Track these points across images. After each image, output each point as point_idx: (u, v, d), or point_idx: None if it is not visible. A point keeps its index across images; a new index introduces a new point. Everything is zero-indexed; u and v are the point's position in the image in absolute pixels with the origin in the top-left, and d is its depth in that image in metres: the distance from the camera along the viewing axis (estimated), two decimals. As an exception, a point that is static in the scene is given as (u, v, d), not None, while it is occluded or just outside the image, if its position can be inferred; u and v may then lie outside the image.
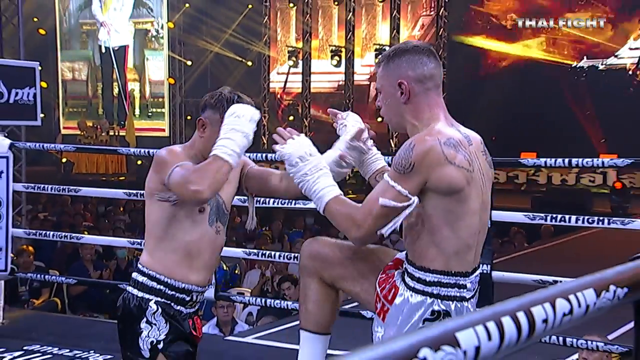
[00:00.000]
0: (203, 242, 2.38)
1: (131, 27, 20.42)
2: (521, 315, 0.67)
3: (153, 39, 20.39)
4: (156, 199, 2.34)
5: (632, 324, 1.05)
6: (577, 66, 16.81)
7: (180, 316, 2.39)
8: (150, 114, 20.53)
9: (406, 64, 2.02)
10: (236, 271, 7.52)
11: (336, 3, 19.28)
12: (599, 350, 3.15)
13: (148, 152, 3.97)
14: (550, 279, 3.22)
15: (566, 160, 3.32)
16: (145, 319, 2.34)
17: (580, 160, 3.31)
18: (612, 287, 0.83)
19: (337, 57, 18.91)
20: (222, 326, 5.22)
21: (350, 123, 2.28)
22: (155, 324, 2.34)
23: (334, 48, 19.11)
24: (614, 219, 3.39)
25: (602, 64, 16.53)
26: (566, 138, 14.39)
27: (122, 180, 16.15)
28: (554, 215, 3.34)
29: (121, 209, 11.14)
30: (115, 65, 20.28)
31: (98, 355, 3.92)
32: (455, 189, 1.90)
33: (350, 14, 18.73)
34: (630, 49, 16.12)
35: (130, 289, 2.39)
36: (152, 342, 2.33)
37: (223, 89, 2.40)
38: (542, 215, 3.41)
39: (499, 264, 6.50)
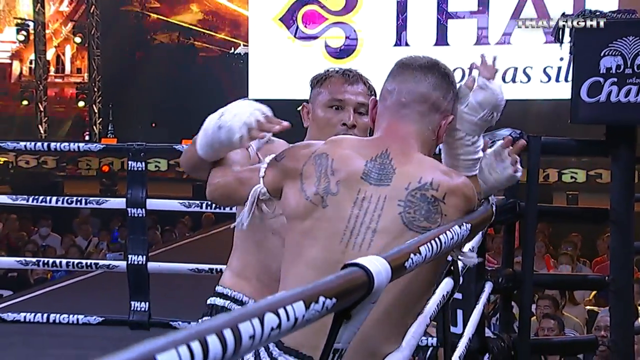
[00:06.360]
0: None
1: None
2: (227, 333, 0.72)
3: None
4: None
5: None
6: (235, 53, 17.89)
7: None
8: None
9: None
10: None
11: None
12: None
13: None
14: (206, 267, 3.53)
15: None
16: None
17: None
18: (321, 299, 0.89)
19: (-30, 31, 17.58)
20: None
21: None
22: None
23: (-34, 20, 17.75)
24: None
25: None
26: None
27: None
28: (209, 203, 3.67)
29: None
30: None
31: None
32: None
33: (-16, -18, 17.57)
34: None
35: None
36: None
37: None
38: (198, 202, 3.72)
39: (160, 254, 6.86)
